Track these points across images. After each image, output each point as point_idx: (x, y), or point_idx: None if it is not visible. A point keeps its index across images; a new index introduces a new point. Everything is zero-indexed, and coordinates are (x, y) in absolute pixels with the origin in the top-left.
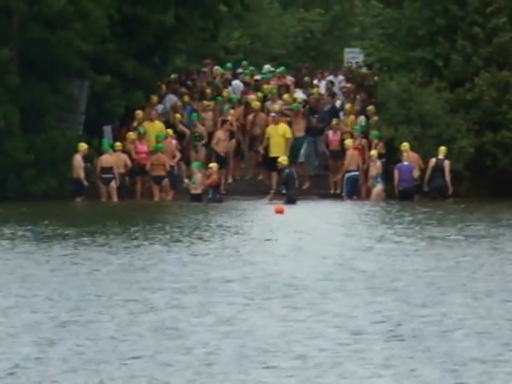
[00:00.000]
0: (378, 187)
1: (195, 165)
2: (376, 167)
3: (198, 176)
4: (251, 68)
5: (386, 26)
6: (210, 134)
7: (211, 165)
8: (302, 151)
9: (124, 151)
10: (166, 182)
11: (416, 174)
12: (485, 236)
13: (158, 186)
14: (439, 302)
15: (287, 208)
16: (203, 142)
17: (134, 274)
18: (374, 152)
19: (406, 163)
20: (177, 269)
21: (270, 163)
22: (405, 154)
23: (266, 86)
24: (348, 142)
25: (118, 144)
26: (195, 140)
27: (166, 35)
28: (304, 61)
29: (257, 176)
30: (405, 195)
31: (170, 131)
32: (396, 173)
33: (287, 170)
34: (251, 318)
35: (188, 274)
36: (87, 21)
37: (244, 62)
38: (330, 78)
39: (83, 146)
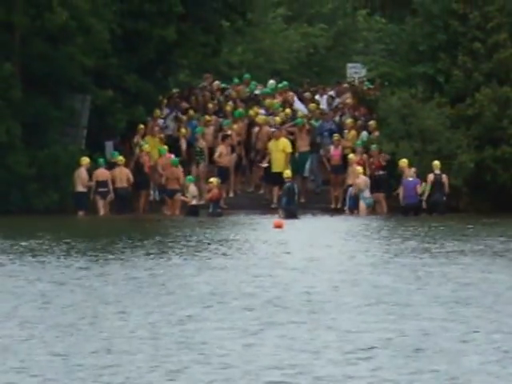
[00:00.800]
0: (363, 204)
1: (189, 179)
2: (362, 181)
3: (192, 189)
4: (254, 82)
5: (388, 41)
6: (210, 149)
7: (212, 179)
8: (307, 166)
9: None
10: (178, 196)
11: (420, 189)
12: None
13: (171, 200)
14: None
15: (288, 223)
16: (204, 156)
17: (154, 288)
18: (359, 168)
19: (410, 179)
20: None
21: (272, 178)
22: (407, 170)
23: (268, 101)
24: (351, 156)
25: (120, 158)
26: (197, 155)
27: (168, 50)
28: (308, 76)
29: (258, 190)
30: (409, 211)
31: (165, 147)
32: (401, 188)
33: (288, 184)
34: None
35: (209, 292)
36: (89, 35)
37: (246, 76)
38: (331, 93)
39: (86, 160)
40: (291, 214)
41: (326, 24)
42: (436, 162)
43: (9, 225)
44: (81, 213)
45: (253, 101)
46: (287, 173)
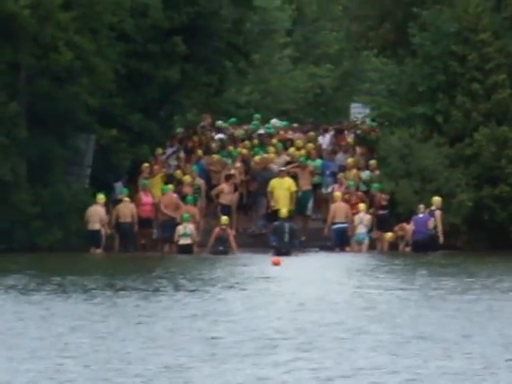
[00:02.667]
0: (366, 242)
1: (185, 217)
2: (365, 220)
3: (190, 227)
4: (255, 122)
5: (388, 81)
6: (212, 187)
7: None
8: (310, 205)
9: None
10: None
11: (432, 224)
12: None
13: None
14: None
15: (286, 260)
16: (201, 194)
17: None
18: (361, 204)
19: (421, 215)
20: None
21: (274, 216)
22: (420, 207)
23: (272, 141)
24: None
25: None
26: (196, 192)
27: (172, 90)
28: (314, 116)
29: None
30: (419, 246)
31: (170, 186)
32: (411, 225)
33: (277, 223)
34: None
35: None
36: (94, 75)
37: (256, 116)
38: (332, 132)
39: (102, 198)
40: (281, 252)
41: (332, 64)
42: (436, 198)
43: (35, 262)
44: (98, 250)
45: (257, 139)
46: (283, 212)
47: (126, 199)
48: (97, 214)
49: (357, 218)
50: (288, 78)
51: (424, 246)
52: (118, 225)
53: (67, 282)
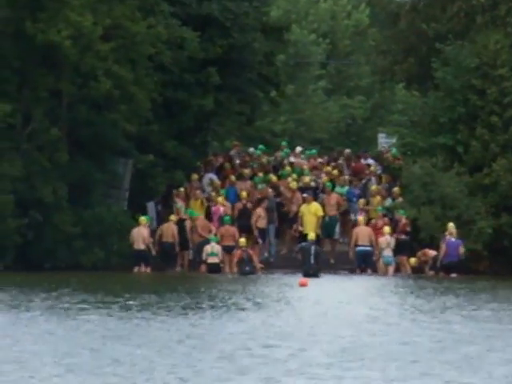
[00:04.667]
0: (393, 265)
1: (212, 239)
2: (384, 240)
3: (216, 247)
4: (286, 150)
5: (411, 113)
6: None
7: (241, 240)
8: (337, 229)
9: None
10: (234, 252)
11: (462, 250)
12: None
13: (230, 255)
14: None
15: (313, 281)
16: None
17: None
18: (386, 227)
19: (453, 239)
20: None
21: (304, 240)
22: (450, 230)
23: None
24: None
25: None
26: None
27: (206, 118)
28: (346, 145)
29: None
30: (449, 268)
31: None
32: (443, 247)
33: (303, 244)
34: None
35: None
36: (132, 103)
37: (283, 143)
38: (370, 161)
39: (144, 220)
40: (308, 273)
41: (364, 96)
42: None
43: (97, 282)
44: (146, 269)
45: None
46: (311, 235)
47: (172, 218)
48: (141, 234)
49: (383, 240)
50: (321, 109)
51: (453, 268)
52: (161, 244)
53: (154, 301)
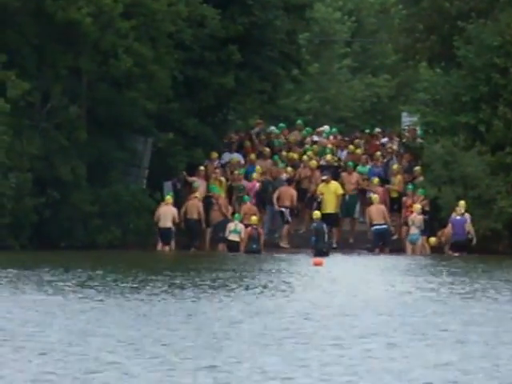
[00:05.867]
0: (420, 242)
1: (236, 217)
2: (417, 221)
3: (240, 226)
4: (308, 129)
5: (433, 91)
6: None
7: (253, 217)
8: (357, 208)
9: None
10: (249, 229)
11: (469, 227)
12: None
13: (248, 230)
14: None
15: (328, 260)
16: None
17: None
18: (418, 205)
19: (458, 217)
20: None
21: (324, 219)
22: (457, 209)
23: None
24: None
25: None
26: (240, 192)
27: (226, 96)
28: (371, 123)
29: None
30: (457, 247)
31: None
32: (449, 226)
33: (315, 224)
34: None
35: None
36: (152, 81)
37: (299, 122)
38: (384, 140)
39: (169, 199)
40: (321, 252)
41: (389, 75)
42: (462, 202)
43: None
44: (167, 247)
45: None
46: (316, 213)
47: (197, 195)
48: (170, 213)
49: (410, 219)
50: (346, 87)
51: (462, 247)
52: (186, 221)
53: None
